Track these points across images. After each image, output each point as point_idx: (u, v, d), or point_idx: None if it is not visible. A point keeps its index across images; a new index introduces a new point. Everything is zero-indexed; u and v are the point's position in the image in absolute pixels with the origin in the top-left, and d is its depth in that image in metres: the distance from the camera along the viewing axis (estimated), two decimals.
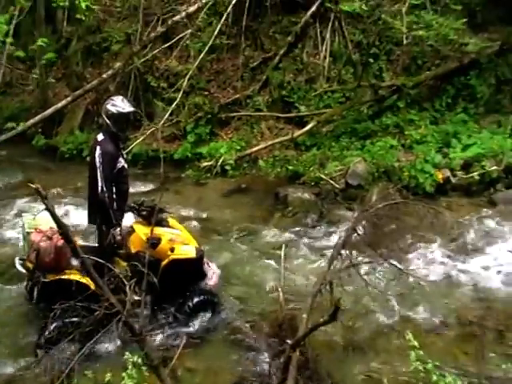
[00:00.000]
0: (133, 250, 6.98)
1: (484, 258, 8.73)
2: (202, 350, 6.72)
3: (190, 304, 7.06)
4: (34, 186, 3.84)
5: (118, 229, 6.67)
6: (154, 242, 6.77)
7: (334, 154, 12.19)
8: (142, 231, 6.99)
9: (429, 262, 8.70)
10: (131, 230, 7.17)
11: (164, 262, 6.89)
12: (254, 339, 6.86)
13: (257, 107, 14.09)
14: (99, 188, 6.44)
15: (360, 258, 6.80)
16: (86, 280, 5.98)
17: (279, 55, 14.53)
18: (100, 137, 6.66)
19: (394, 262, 7.14)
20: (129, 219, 7.31)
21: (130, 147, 12.39)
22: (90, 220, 6.88)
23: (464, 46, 13.30)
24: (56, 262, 6.40)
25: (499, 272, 8.36)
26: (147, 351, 4.32)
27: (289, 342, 5.62)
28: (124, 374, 4.32)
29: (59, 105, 13.59)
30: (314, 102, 13.74)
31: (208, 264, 7.52)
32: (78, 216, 9.38)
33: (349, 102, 13.56)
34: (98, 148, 6.54)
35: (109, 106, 6.60)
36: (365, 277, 6.86)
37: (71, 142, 13.73)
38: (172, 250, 6.96)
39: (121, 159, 6.71)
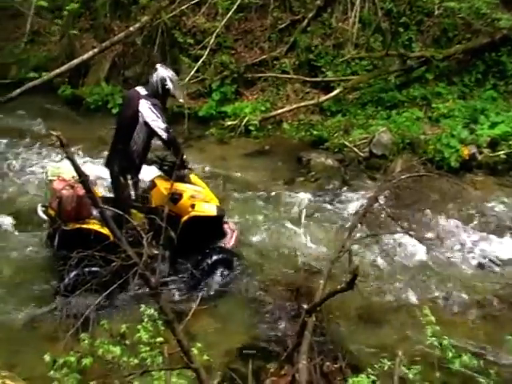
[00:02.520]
0: (153, 204, 6.98)
1: (505, 238, 8.66)
2: (217, 309, 6.77)
3: (208, 261, 7.09)
4: (55, 134, 3.79)
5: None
6: (175, 198, 6.81)
7: (359, 122, 12.08)
8: (164, 186, 6.99)
9: (450, 237, 8.62)
10: (153, 184, 7.20)
11: (184, 218, 6.90)
12: (270, 302, 6.87)
13: (283, 69, 13.92)
14: (164, 134, 6.48)
15: (380, 229, 6.79)
16: (105, 230, 6.00)
17: (308, 18, 14.30)
18: (143, 91, 6.68)
19: (415, 235, 7.12)
20: (151, 173, 7.31)
21: None
22: (108, 166, 6.91)
23: (496, 22, 12.97)
24: (77, 211, 6.46)
25: None
26: (162, 305, 4.32)
27: (305, 306, 5.58)
28: (139, 327, 4.32)
29: (86, 56, 13.53)
30: (341, 67, 13.56)
31: (228, 224, 7.51)
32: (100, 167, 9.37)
33: (376, 70, 13.38)
34: (143, 101, 6.54)
35: (168, 81, 6.65)
36: (384, 248, 6.87)
37: (97, 93, 13.66)
38: (193, 206, 6.96)
39: None
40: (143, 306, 4.58)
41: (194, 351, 4.33)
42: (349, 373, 5.43)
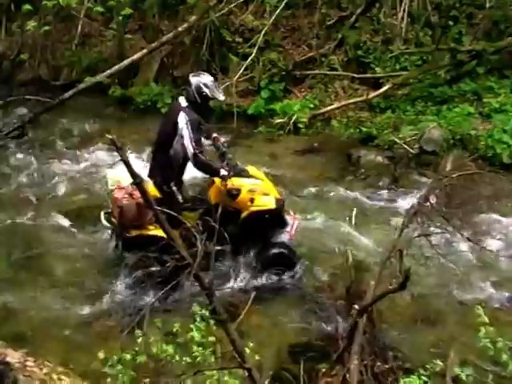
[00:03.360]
0: (213, 202, 7.09)
1: None
2: (269, 308, 6.82)
3: (268, 255, 7.21)
4: (109, 137, 3.89)
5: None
6: (233, 193, 6.94)
7: (408, 118, 11.95)
8: (222, 183, 7.03)
9: (503, 236, 8.48)
10: (211, 182, 7.31)
11: (244, 214, 7.03)
12: (322, 301, 6.89)
13: (331, 66, 13.89)
14: (192, 160, 6.68)
15: (432, 228, 6.74)
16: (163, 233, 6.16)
17: (356, 14, 14.22)
18: (183, 103, 6.86)
19: (467, 234, 7.04)
20: None
21: None
22: (151, 177, 7.10)
23: None
24: (138, 219, 6.77)
25: None
26: (215, 305, 4.38)
27: (356, 307, 5.59)
28: (192, 326, 4.38)
29: (135, 56, 13.67)
30: (390, 63, 13.46)
31: (289, 212, 7.55)
32: None
33: (426, 65, 13.27)
34: (182, 114, 6.74)
35: (203, 88, 6.76)
36: (436, 247, 6.82)
37: (146, 93, 13.84)
38: (252, 200, 7.05)
39: (202, 132, 6.92)
40: (195, 306, 4.64)
41: (247, 351, 4.37)
42: (400, 373, 5.41)
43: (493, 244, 8.01)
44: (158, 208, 4.46)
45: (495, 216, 8.88)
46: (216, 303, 4.43)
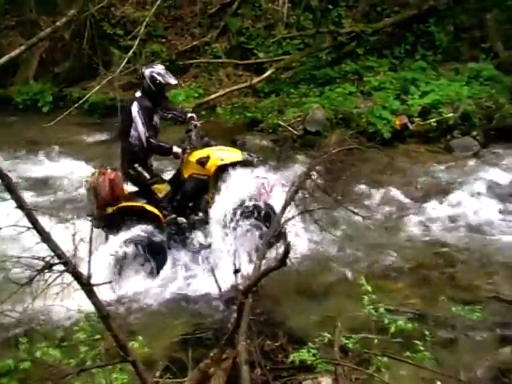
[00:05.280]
0: (186, 176, 7.30)
1: (437, 204, 8.70)
2: (154, 305, 6.68)
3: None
4: None
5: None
6: (203, 161, 7.15)
7: (292, 101, 12.12)
8: (191, 156, 7.25)
9: (383, 207, 8.66)
10: (181, 160, 7.47)
11: (212, 170, 7.15)
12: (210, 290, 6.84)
13: (215, 54, 13.94)
14: (145, 143, 7.00)
15: (315, 204, 6.84)
16: (141, 204, 7.08)
17: (238, 1, 14.35)
18: (138, 94, 7.17)
19: (348, 207, 7.19)
20: None
21: (87, 96, 12.22)
22: (122, 168, 7.31)
23: None
24: (112, 194, 7.05)
25: (451, 217, 8.36)
26: (95, 301, 4.28)
27: (240, 287, 5.61)
28: (76, 328, 4.30)
29: (13, 54, 13.12)
30: (272, 48, 13.64)
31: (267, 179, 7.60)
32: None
33: (307, 48, 13.48)
34: (135, 103, 7.05)
35: (156, 76, 7.06)
36: (320, 222, 6.93)
37: (25, 92, 13.43)
38: (222, 161, 7.25)
39: (155, 117, 7.21)
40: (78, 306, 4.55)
41: (135, 345, 4.32)
42: (290, 349, 5.46)
43: (372, 215, 8.19)
44: None
45: (375, 189, 9.06)
46: (96, 300, 4.32)
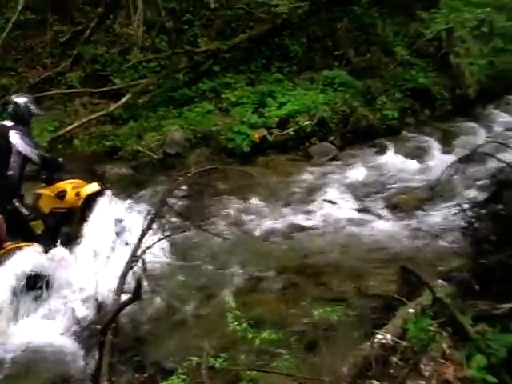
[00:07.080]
0: (46, 211, 7.22)
1: (301, 210, 8.81)
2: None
3: None
4: None
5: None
6: (61, 195, 7.20)
7: (151, 125, 11.93)
8: (48, 191, 7.25)
9: (245, 221, 8.57)
10: (37, 195, 7.39)
11: (79, 202, 7.25)
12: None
13: (70, 84, 13.47)
14: (37, 159, 6.92)
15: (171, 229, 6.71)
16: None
17: (90, 28, 14.03)
18: (9, 123, 6.99)
19: (207, 227, 7.12)
20: None
21: None
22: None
23: (274, 8, 13.46)
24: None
25: (317, 221, 8.44)
26: None
27: (98, 327, 5.33)
28: None
29: None
30: (128, 73, 13.36)
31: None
32: None
33: (164, 70, 13.35)
34: (12, 132, 6.87)
35: (31, 105, 7.12)
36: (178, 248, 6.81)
37: None
38: (77, 194, 7.33)
39: None
40: None
41: None
42: (159, 378, 5.25)
43: (233, 231, 8.12)
44: None
45: (235, 204, 8.98)
46: None
